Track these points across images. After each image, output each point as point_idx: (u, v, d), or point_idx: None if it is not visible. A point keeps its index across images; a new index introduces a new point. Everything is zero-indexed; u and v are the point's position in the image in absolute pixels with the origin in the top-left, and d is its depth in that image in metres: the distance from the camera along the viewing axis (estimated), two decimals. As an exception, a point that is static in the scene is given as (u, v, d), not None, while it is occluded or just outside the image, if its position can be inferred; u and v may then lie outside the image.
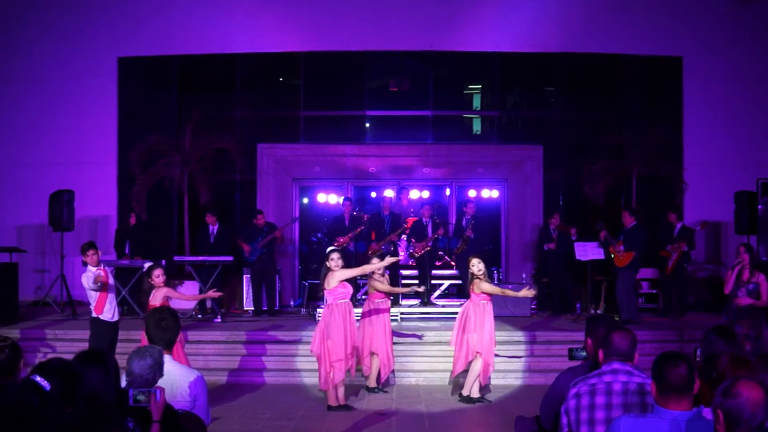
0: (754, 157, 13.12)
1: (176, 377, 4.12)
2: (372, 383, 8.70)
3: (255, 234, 12.06)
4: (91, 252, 8.17)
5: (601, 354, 3.76)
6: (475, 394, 8.18)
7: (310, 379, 9.25)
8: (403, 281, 12.58)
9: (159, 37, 13.50)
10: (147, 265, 8.30)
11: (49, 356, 3.59)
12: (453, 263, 13.38)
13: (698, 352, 4.12)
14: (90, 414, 3.14)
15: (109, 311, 8.21)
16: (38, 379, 3.12)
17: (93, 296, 8.20)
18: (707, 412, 2.91)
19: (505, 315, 11.50)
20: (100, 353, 3.45)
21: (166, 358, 4.02)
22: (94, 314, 8.24)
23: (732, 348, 3.90)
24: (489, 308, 8.20)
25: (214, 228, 12.18)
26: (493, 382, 9.18)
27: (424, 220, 12.25)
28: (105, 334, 8.16)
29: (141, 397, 3.38)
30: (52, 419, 3.03)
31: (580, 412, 3.59)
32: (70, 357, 3.45)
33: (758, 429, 2.64)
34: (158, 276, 7.82)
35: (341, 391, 7.90)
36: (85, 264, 11.89)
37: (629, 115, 13.61)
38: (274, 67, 14.16)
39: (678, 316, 11.43)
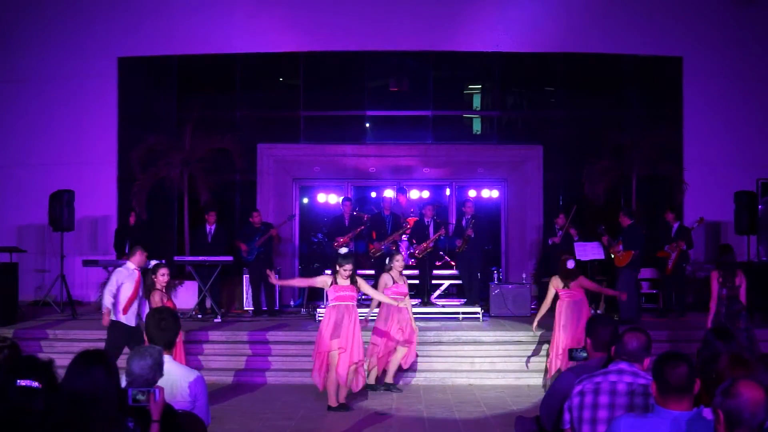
0: (754, 157, 13.12)
1: (176, 377, 4.11)
2: (371, 380, 8.72)
3: (252, 233, 12.06)
4: (139, 252, 8.06)
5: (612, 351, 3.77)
6: None
7: (310, 379, 9.26)
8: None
9: (159, 37, 13.50)
10: (153, 262, 8.20)
11: (50, 356, 3.59)
12: (453, 263, 13.38)
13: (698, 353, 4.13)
14: (92, 414, 3.14)
15: (130, 315, 7.99)
16: (26, 383, 3.08)
17: (122, 297, 7.97)
18: (707, 412, 2.91)
19: (506, 315, 11.52)
20: (101, 353, 3.44)
21: (166, 358, 4.02)
22: (113, 316, 8.01)
23: (731, 348, 3.91)
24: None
25: (211, 228, 12.15)
26: (493, 382, 9.21)
27: (425, 220, 12.23)
28: (120, 337, 7.94)
29: (140, 397, 3.37)
30: (51, 415, 3.03)
31: (582, 410, 3.58)
32: (69, 357, 3.44)
33: (759, 429, 2.64)
34: (162, 275, 7.76)
35: (343, 391, 7.92)
36: (87, 263, 11.89)
37: (629, 115, 13.60)
38: (274, 67, 14.15)
39: (678, 316, 11.43)
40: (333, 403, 7.83)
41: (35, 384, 3.08)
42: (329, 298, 7.99)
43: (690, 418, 3.00)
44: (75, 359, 3.34)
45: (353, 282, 7.89)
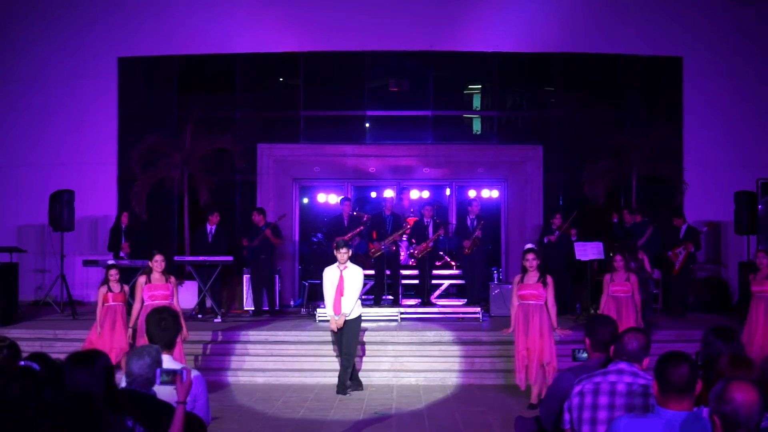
0: (754, 157, 13.13)
1: (176, 377, 4.11)
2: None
3: (256, 233, 12.06)
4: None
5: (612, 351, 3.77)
6: None
7: (310, 379, 9.27)
8: (403, 281, 12.60)
9: (159, 37, 13.50)
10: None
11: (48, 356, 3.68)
12: (454, 263, 13.39)
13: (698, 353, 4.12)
14: (81, 414, 3.14)
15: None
16: (27, 363, 3.17)
17: None
18: (707, 412, 2.91)
19: (506, 315, 11.49)
20: (89, 354, 3.40)
21: (166, 357, 4.03)
22: None
23: (731, 348, 3.90)
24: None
25: (212, 228, 12.14)
26: (493, 382, 9.21)
27: (425, 220, 12.24)
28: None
29: (167, 378, 3.53)
30: (44, 400, 3.05)
31: (582, 411, 3.58)
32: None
33: (756, 429, 2.64)
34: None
35: (534, 389, 7.93)
36: (87, 263, 11.87)
37: (629, 115, 13.61)
38: (274, 67, 14.16)
39: (678, 316, 11.44)
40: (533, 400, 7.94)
41: (35, 365, 3.15)
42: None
43: (685, 418, 2.99)
44: (63, 362, 3.34)
45: (541, 280, 8.38)
